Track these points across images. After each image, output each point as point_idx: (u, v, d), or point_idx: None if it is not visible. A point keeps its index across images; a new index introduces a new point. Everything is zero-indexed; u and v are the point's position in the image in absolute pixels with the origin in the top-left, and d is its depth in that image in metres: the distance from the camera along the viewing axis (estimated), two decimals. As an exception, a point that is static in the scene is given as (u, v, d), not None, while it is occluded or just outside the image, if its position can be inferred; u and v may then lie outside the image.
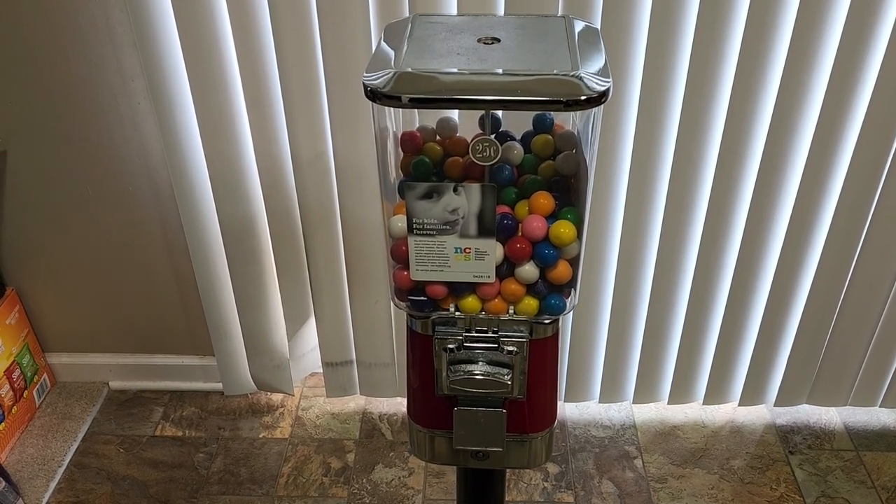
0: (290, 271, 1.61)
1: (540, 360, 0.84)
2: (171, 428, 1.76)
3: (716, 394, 1.72)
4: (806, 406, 1.75)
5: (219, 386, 1.82)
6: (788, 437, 1.70)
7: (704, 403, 1.73)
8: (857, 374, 1.67)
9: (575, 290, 0.81)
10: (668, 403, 1.75)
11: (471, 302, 0.80)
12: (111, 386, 1.86)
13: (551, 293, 0.79)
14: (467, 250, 0.75)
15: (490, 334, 0.82)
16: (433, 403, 0.87)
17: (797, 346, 1.63)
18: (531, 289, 0.78)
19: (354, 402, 1.81)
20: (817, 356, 1.65)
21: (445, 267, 0.76)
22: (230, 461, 1.68)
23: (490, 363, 0.83)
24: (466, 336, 0.82)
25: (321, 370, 1.76)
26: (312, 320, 1.71)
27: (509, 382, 0.82)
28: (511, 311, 0.80)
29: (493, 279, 0.77)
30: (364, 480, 1.62)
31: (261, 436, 1.74)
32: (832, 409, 1.76)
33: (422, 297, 0.80)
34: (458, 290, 0.79)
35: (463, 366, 0.82)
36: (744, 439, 1.70)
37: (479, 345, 0.83)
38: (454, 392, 0.83)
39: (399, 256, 0.77)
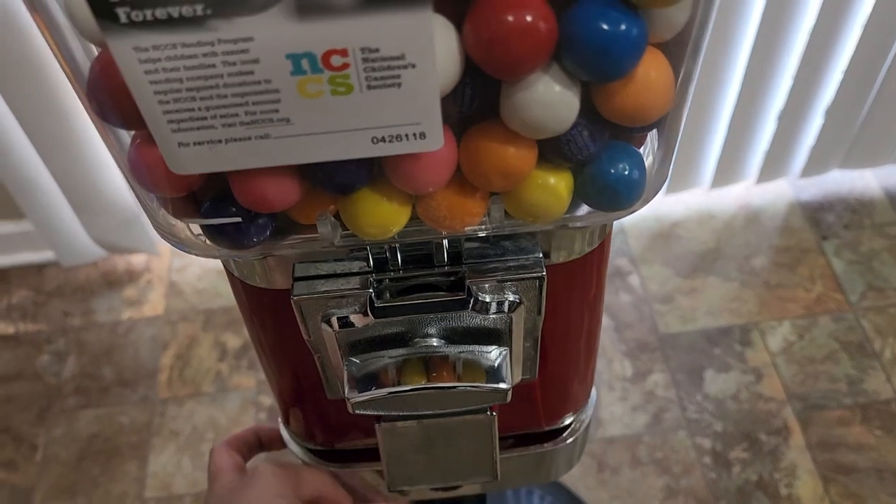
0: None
1: (577, 298, 0.36)
2: (-3, 323, 1.27)
3: (726, 172, 1.29)
4: (836, 174, 1.35)
5: (53, 256, 1.30)
6: (819, 217, 1.31)
7: (713, 187, 1.31)
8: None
9: (668, 133, 0.31)
10: (666, 194, 1.31)
11: (377, 205, 0.29)
12: None
13: (615, 140, 0.29)
14: (330, 57, 0.24)
15: (442, 270, 0.33)
16: (328, 413, 0.40)
17: (841, 94, 1.18)
18: (556, 145, 0.28)
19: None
20: (862, 104, 1.21)
21: (273, 122, 0.25)
22: (88, 360, 1.22)
23: (451, 338, 0.35)
24: (383, 281, 0.33)
25: (190, 217, 1.25)
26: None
27: (504, 384, 0.34)
28: (493, 216, 0.31)
29: (438, 144, 0.26)
30: (275, 360, 1.19)
31: (125, 317, 1.26)
32: (867, 172, 1.36)
33: (228, 209, 0.29)
34: (329, 178, 0.28)
35: (378, 359, 0.34)
36: (764, 228, 1.30)
37: (416, 300, 0.34)
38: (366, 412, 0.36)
39: (119, 104, 0.25)
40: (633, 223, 1.31)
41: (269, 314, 0.36)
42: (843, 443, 1.09)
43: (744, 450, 1.09)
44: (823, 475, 1.06)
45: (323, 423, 0.44)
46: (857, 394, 1.13)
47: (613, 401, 1.14)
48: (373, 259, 0.34)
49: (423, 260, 0.34)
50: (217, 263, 1.31)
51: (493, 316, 0.34)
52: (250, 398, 1.16)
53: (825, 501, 1.04)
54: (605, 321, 1.21)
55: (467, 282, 0.33)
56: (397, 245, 0.33)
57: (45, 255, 1.31)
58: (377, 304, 0.34)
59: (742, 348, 1.18)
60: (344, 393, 0.35)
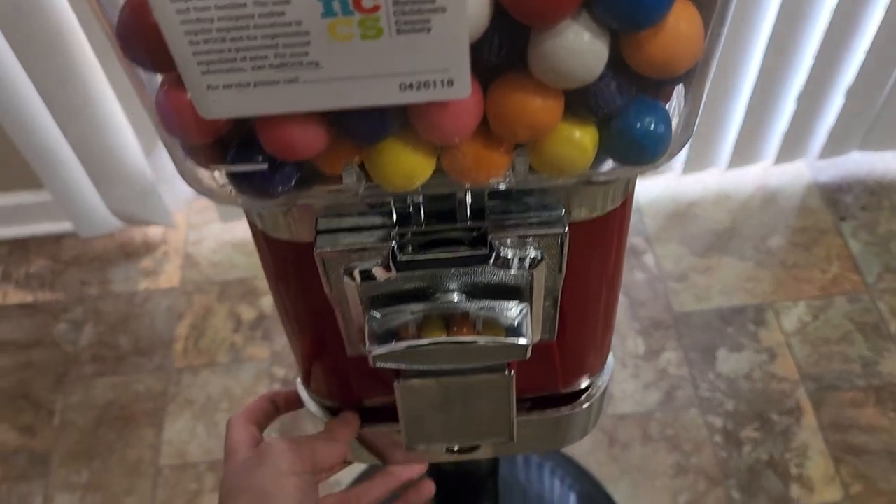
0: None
1: (598, 258, 0.36)
2: (16, 292, 1.28)
3: (744, 153, 1.28)
4: (855, 155, 1.33)
5: (71, 226, 1.31)
6: (837, 199, 1.30)
7: (730, 167, 1.30)
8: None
9: (694, 88, 0.31)
10: (683, 173, 1.31)
11: (403, 155, 0.30)
12: (-79, 243, 1.34)
13: (642, 95, 0.29)
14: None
15: (466, 224, 0.33)
16: (347, 371, 0.40)
17: (862, 75, 1.17)
18: (583, 97, 0.28)
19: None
20: (883, 86, 1.20)
21: (302, 66, 0.25)
22: (104, 329, 1.23)
23: (471, 293, 0.35)
24: (405, 235, 0.33)
25: (206, 189, 1.25)
26: (175, 124, 1.17)
27: (524, 340, 0.34)
28: (517, 169, 0.31)
29: (465, 92, 0.26)
30: (290, 332, 1.20)
31: (141, 287, 1.27)
32: (887, 154, 1.35)
33: (254, 156, 0.29)
34: (356, 126, 0.28)
35: (400, 313, 0.34)
36: (781, 209, 1.30)
37: (438, 254, 0.34)
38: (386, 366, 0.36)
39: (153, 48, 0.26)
40: (649, 202, 1.31)
41: (292, 267, 0.37)
42: (855, 424, 1.09)
43: (755, 429, 1.09)
44: (835, 456, 1.06)
45: (342, 380, 0.44)
46: (872, 375, 1.12)
47: (626, 378, 1.14)
48: (396, 213, 0.34)
49: (446, 215, 0.34)
50: (232, 236, 1.31)
51: (515, 272, 0.34)
52: (264, 369, 1.17)
53: (836, 482, 1.04)
54: (620, 299, 1.21)
55: (489, 237, 0.34)
56: (421, 199, 0.33)
57: (64, 226, 1.32)
58: (399, 257, 0.34)
59: (756, 328, 1.17)
60: (365, 346, 0.35)
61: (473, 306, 0.35)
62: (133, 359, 1.20)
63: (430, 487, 0.52)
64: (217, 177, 0.32)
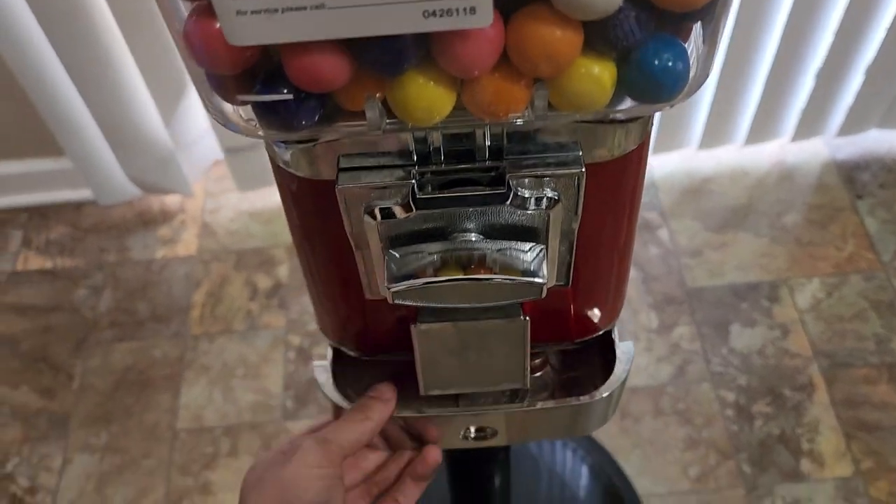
0: (141, 24, 1.06)
1: (613, 202, 0.37)
2: (36, 258, 1.30)
3: (761, 129, 1.27)
4: (874, 133, 1.32)
5: (91, 194, 1.33)
6: (854, 176, 1.30)
7: (747, 143, 1.29)
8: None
9: (714, 26, 0.31)
10: (699, 149, 1.30)
11: (424, 88, 0.30)
12: (-56, 209, 1.37)
13: (661, 32, 0.29)
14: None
15: (484, 163, 0.34)
16: (366, 316, 0.41)
17: (883, 52, 1.16)
18: (602, 30, 0.29)
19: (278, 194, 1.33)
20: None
21: None
22: (123, 295, 1.25)
23: (489, 234, 0.35)
24: (425, 174, 0.34)
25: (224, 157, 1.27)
26: (193, 92, 1.18)
27: (540, 279, 0.35)
28: (536, 105, 0.31)
29: (487, 20, 0.27)
30: (306, 301, 1.21)
31: (159, 255, 1.29)
32: (908, 131, 1.34)
33: (279, 88, 0.30)
34: (379, 56, 0.29)
35: (418, 251, 0.35)
36: (797, 186, 1.29)
37: (456, 193, 0.35)
38: (404, 303, 0.37)
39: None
40: (664, 177, 1.31)
41: (313, 206, 0.37)
42: (867, 401, 1.09)
43: (767, 404, 1.09)
44: (846, 432, 1.07)
45: (360, 326, 0.45)
46: (885, 353, 1.12)
47: (639, 351, 1.14)
48: (416, 153, 0.35)
49: (465, 155, 0.35)
50: (250, 205, 1.32)
51: (531, 212, 0.35)
52: (280, 336, 1.19)
53: (846, 458, 1.05)
54: (633, 273, 1.21)
55: (507, 176, 0.34)
56: (440, 136, 0.34)
57: (83, 194, 1.34)
58: (419, 195, 0.34)
59: (770, 304, 1.18)
60: (384, 283, 0.36)
61: (490, 247, 0.35)
62: (151, 325, 1.21)
63: (435, 454, 0.51)
64: (242, 112, 0.32)
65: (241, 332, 1.20)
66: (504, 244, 0.35)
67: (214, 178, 1.36)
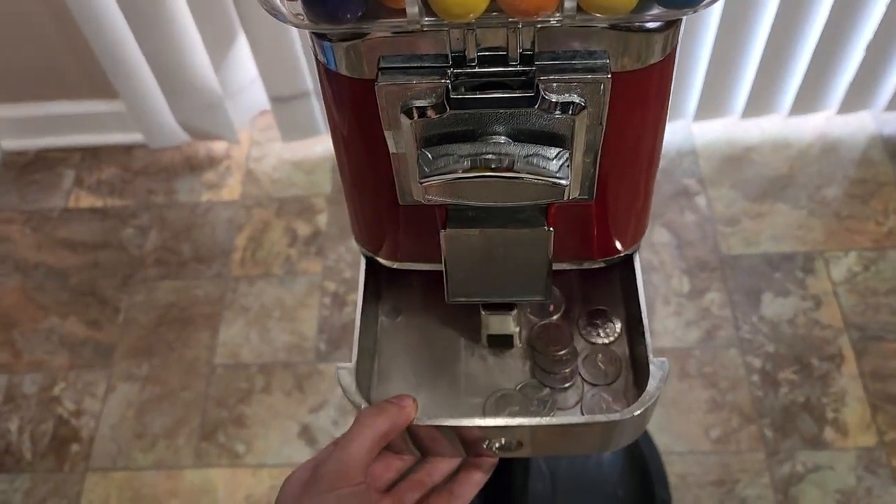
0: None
1: (637, 116, 0.38)
2: (87, 196, 1.36)
3: (807, 100, 1.26)
4: (924, 107, 1.30)
5: (141, 137, 1.38)
6: (900, 152, 1.28)
7: (791, 114, 1.28)
8: None
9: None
10: (742, 118, 1.30)
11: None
12: (3, 146, 1.42)
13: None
14: None
15: (515, 68, 0.36)
16: (396, 221, 0.43)
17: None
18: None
19: (322, 145, 1.37)
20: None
21: None
22: (168, 235, 1.29)
23: (517, 138, 0.37)
24: (459, 76, 0.36)
25: (270, 107, 1.30)
26: (243, 40, 1.21)
27: (563, 180, 0.37)
28: (566, 6, 0.33)
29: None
30: (342, 249, 1.25)
31: (204, 199, 1.33)
32: (959, 108, 1.31)
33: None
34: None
35: (450, 150, 0.37)
36: (840, 159, 1.28)
37: (488, 94, 0.37)
38: (436, 202, 0.39)
39: None
40: (705, 145, 1.31)
41: (352, 103, 0.40)
42: (897, 375, 1.09)
43: (794, 372, 1.10)
44: (873, 404, 1.06)
45: (393, 235, 0.47)
46: (919, 328, 1.12)
47: (668, 315, 1.15)
48: (451, 55, 0.36)
49: (497, 60, 0.37)
50: (293, 155, 1.36)
51: (558, 117, 0.36)
52: (316, 282, 1.22)
53: (871, 429, 1.05)
54: (667, 237, 1.22)
55: (536, 80, 0.36)
56: (475, 40, 0.36)
57: (134, 137, 1.39)
58: (453, 95, 0.36)
59: (804, 275, 1.17)
60: (416, 178, 0.38)
61: (517, 150, 0.37)
62: (193, 265, 1.26)
63: (478, 477, 0.50)
64: (290, 6, 0.35)
65: (280, 277, 1.23)
66: (531, 148, 0.37)
67: (260, 128, 1.40)
